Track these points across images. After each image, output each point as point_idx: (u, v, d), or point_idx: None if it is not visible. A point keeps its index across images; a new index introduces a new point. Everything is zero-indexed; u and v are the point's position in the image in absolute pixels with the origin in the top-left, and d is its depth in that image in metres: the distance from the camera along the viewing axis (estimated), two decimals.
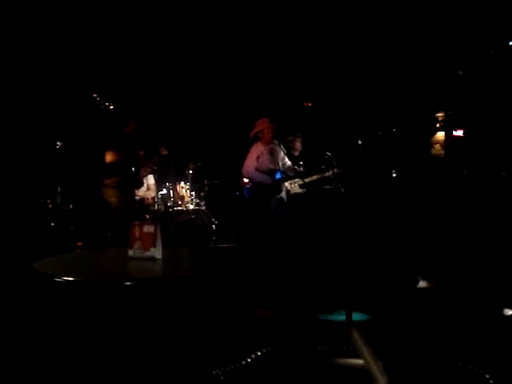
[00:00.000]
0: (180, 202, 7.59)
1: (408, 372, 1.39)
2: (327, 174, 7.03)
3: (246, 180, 7.07)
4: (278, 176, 6.94)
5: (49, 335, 3.81)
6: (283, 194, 7.04)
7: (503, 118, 8.37)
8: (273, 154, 6.98)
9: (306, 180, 7.21)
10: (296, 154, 7.61)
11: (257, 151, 6.87)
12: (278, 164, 6.99)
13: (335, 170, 6.77)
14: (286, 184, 7.23)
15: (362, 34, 8.72)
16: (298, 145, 7.70)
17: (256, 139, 6.99)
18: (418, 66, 9.03)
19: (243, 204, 7.22)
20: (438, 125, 10.12)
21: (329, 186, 7.07)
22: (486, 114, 8.87)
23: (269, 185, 6.79)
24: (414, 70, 9.09)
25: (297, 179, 7.40)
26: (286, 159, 7.13)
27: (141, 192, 7.47)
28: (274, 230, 6.71)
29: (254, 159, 6.83)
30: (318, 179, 7.18)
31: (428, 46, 8.73)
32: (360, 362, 1.46)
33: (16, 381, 3.15)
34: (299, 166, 7.43)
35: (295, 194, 7.36)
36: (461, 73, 8.82)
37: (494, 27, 8.29)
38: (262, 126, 6.94)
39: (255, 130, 6.97)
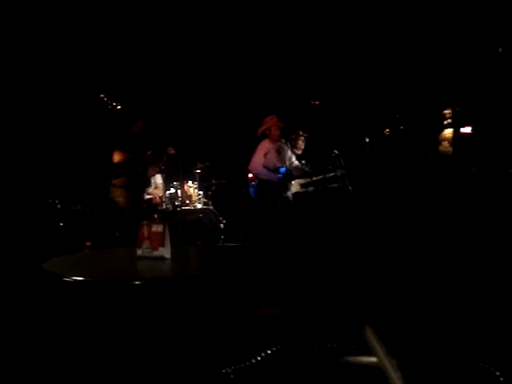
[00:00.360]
0: (188, 202, 7.60)
1: (418, 369, 1.39)
2: (331, 174, 7.04)
3: (250, 177, 7.06)
4: (283, 170, 6.90)
5: (58, 335, 3.82)
6: (289, 193, 7.03)
7: (511, 115, 8.34)
8: (280, 152, 6.96)
9: (314, 178, 7.20)
10: (299, 152, 7.57)
11: (264, 148, 6.85)
12: (285, 163, 6.98)
13: (339, 171, 6.79)
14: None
15: (369, 32, 8.70)
16: (301, 143, 7.65)
17: (264, 136, 6.97)
18: (426, 64, 9.00)
19: (250, 203, 7.21)
20: (445, 122, 10.09)
21: (336, 185, 7.06)
22: (493, 111, 8.83)
23: (275, 182, 6.77)
24: (422, 67, 9.06)
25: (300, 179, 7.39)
26: (294, 159, 7.11)
27: (149, 191, 7.49)
28: (281, 229, 6.70)
29: (262, 156, 6.81)
30: (324, 178, 7.16)
31: (435, 43, 8.71)
32: (370, 359, 1.46)
33: (24, 380, 3.16)
34: (301, 164, 7.42)
35: (296, 193, 7.33)
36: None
37: (502, 24, 8.26)
38: (270, 123, 6.93)
39: (263, 127, 6.95)
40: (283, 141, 7.06)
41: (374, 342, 1.11)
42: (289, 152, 7.07)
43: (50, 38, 7.94)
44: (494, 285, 5.23)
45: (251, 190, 7.02)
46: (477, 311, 4.61)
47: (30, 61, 7.94)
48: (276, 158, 6.89)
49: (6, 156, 7.46)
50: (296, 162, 7.12)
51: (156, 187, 7.73)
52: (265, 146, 6.86)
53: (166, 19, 8.35)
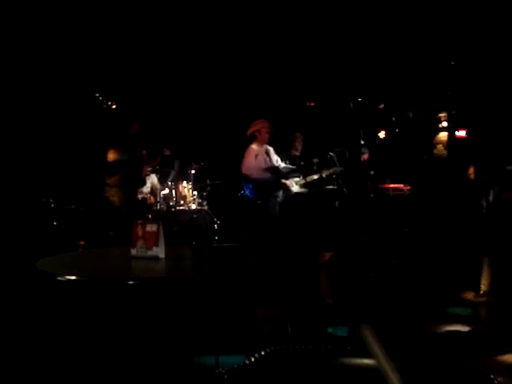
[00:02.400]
0: (182, 202, 7.59)
1: (413, 371, 1.39)
2: (325, 173, 7.05)
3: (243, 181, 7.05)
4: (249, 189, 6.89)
5: (51, 334, 3.81)
6: (280, 194, 7.04)
7: (506, 119, 8.36)
8: (268, 155, 6.98)
9: (308, 179, 7.21)
10: (297, 153, 7.59)
11: (253, 152, 6.85)
12: (274, 165, 6.99)
13: (331, 170, 6.82)
14: (287, 182, 7.20)
15: (365, 34, 8.71)
16: (298, 145, 7.66)
17: (251, 139, 6.95)
18: (421, 66, 9.02)
19: (245, 203, 7.21)
20: (440, 125, 10.10)
21: (331, 186, 7.07)
22: (489, 115, 8.85)
23: (273, 182, 6.79)
24: (417, 70, 9.08)
25: (297, 179, 7.39)
26: (280, 161, 7.13)
27: (143, 191, 7.49)
28: (276, 229, 6.71)
29: (253, 158, 6.81)
30: (320, 179, 7.18)
31: (431, 47, 8.72)
32: (364, 361, 1.45)
33: (18, 380, 3.15)
34: (300, 165, 7.43)
35: (296, 193, 7.34)
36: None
37: (497, 27, 8.28)
38: (260, 125, 6.92)
39: (253, 129, 6.93)
40: (270, 147, 7.07)
41: (373, 344, 1.11)
42: (275, 156, 7.09)
43: (47, 37, 7.92)
44: (492, 287, 5.25)
45: (247, 191, 7.01)
46: (473, 315, 4.63)
47: (25, 59, 7.92)
48: (265, 160, 6.91)
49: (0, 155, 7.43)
50: (283, 164, 7.15)
51: (150, 187, 7.72)
52: (253, 149, 6.87)
53: (161, 22, 8.34)
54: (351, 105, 9.17)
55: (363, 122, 9.10)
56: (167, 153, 7.16)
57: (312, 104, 7.94)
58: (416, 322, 4.41)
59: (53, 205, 7.20)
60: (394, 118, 9.04)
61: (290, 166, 7.22)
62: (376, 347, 1.10)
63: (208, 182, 8.14)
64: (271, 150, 7.06)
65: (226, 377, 1.45)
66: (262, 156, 6.89)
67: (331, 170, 6.95)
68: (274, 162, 7.00)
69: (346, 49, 8.94)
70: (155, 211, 7.31)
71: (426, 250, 6.55)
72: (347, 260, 5.89)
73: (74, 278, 2.48)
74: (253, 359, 1.53)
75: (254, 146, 6.89)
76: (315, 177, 7.17)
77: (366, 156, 8.03)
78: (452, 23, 8.33)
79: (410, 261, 6.30)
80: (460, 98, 9.30)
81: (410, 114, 8.73)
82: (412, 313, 4.67)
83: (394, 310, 4.72)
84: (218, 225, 7.47)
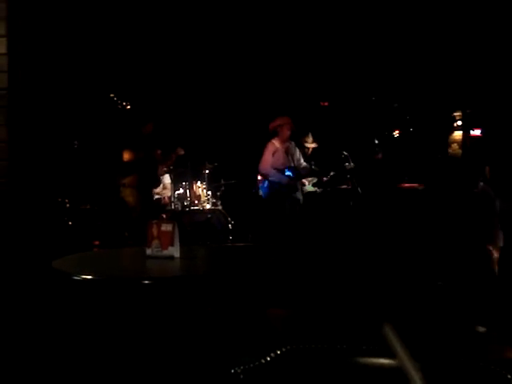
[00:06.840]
0: (196, 202, 7.60)
1: (432, 371, 1.38)
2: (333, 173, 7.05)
3: (260, 178, 7.06)
4: (288, 173, 6.87)
5: (67, 334, 3.83)
6: (299, 194, 7.02)
7: None
8: (287, 153, 6.96)
9: (325, 179, 7.21)
10: (307, 146, 7.58)
11: (272, 147, 6.85)
12: (293, 163, 6.98)
13: (350, 165, 6.78)
14: (303, 181, 7.21)
15: (379, 34, 8.68)
16: (307, 138, 7.66)
17: (273, 135, 6.96)
18: (436, 66, 8.97)
19: (259, 203, 7.21)
20: (455, 124, 10.05)
21: (345, 186, 7.05)
22: (503, 114, 8.78)
23: (284, 184, 6.77)
24: (432, 69, 9.03)
25: (310, 178, 7.39)
26: (302, 160, 7.11)
27: (158, 191, 7.51)
28: (290, 230, 6.69)
29: (270, 155, 6.81)
30: (334, 177, 7.17)
31: (446, 46, 8.68)
32: (380, 360, 1.45)
33: (32, 379, 3.16)
34: (311, 165, 7.42)
35: (308, 192, 7.33)
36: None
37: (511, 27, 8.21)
38: (282, 121, 6.92)
39: (276, 123, 6.93)
40: (292, 143, 7.05)
41: (395, 343, 1.10)
42: (297, 153, 7.07)
43: (60, 38, 7.96)
44: (505, 288, 5.21)
45: (261, 190, 7.01)
46: (489, 313, 4.58)
47: (40, 60, 7.96)
48: (284, 157, 6.89)
49: (16, 155, 7.48)
50: (304, 164, 7.12)
51: (165, 187, 7.74)
52: (273, 145, 6.86)
53: (176, 21, 8.36)
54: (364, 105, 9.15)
55: (377, 121, 9.07)
56: (181, 152, 7.17)
57: (326, 104, 7.92)
58: (434, 321, 4.38)
59: (68, 205, 7.24)
60: (408, 117, 8.99)
61: (309, 167, 7.21)
62: (398, 346, 1.10)
63: (222, 181, 8.13)
64: (294, 148, 7.05)
65: (241, 376, 1.45)
66: (281, 154, 6.88)
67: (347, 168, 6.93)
68: (295, 162, 6.99)
69: (359, 48, 8.91)
70: (170, 211, 7.33)
71: (441, 248, 6.50)
72: (360, 260, 5.88)
73: (89, 277, 2.50)
74: (268, 358, 1.53)
75: (274, 142, 6.89)
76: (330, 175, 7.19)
77: (379, 155, 8.00)
78: (467, 23, 8.27)
79: (429, 262, 6.27)
80: (475, 96, 9.24)
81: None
82: (430, 311, 4.64)
83: (413, 308, 4.69)
84: (232, 225, 7.47)
